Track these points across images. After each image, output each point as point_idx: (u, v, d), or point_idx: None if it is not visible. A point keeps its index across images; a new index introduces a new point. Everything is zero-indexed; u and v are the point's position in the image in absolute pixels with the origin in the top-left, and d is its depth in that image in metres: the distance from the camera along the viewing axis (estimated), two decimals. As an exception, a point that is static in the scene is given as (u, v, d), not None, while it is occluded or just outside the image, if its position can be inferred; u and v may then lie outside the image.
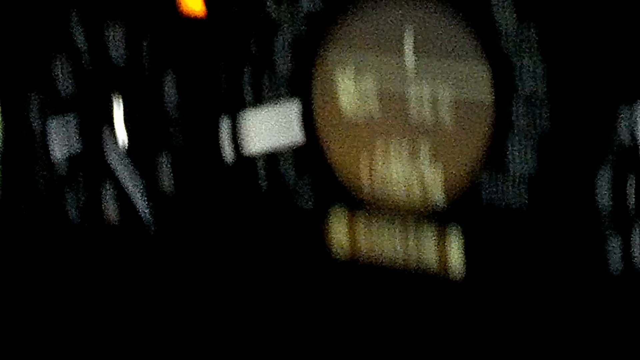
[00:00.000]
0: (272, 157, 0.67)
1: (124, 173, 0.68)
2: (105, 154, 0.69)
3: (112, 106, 0.69)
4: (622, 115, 0.57)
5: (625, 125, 0.57)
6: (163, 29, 0.67)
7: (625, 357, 0.59)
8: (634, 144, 0.57)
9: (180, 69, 0.67)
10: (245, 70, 0.66)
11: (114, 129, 0.69)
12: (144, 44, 0.67)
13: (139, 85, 0.68)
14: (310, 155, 0.66)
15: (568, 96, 0.58)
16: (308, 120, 0.66)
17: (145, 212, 0.69)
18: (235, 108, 0.67)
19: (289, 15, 0.65)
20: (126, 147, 0.69)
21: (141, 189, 0.69)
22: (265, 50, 0.65)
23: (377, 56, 0.63)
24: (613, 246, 0.59)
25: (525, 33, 0.58)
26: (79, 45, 0.69)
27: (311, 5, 0.64)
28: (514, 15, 0.58)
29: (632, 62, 0.56)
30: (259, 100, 0.66)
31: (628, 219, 0.58)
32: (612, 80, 0.57)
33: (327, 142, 0.66)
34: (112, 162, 0.68)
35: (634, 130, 0.57)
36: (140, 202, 0.69)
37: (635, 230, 0.58)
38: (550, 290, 0.61)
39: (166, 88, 0.68)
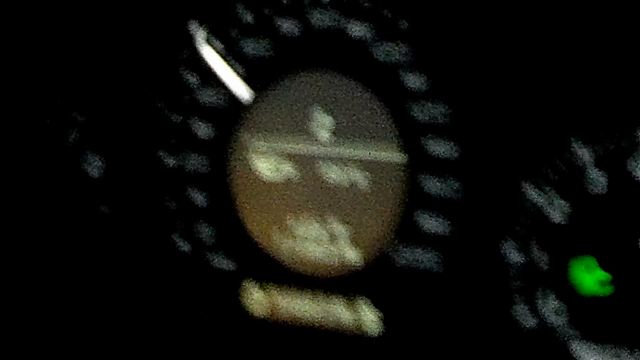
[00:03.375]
0: (188, 218, 0.67)
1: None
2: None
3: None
4: (525, 187, 0.59)
5: (528, 197, 0.59)
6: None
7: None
8: (537, 212, 0.59)
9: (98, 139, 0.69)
10: (165, 138, 0.67)
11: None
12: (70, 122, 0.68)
13: (62, 157, 0.69)
14: (226, 216, 0.66)
15: (478, 169, 0.60)
16: (223, 181, 0.67)
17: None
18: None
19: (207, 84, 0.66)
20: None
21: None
22: (184, 117, 0.67)
23: (292, 126, 0.64)
24: (520, 298, 0.60)
25: (430, 90, 0.60)
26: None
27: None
28: (417, 72, 0.60)
29: (534, 140, 0.58)
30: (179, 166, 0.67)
31: (533, 272, 0.60)
32: (516, 158, 0.59)
33: (241, 202, 0.66)
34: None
35: (536, 202, 0.59)
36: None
37: (539, 290, 0.60)
38: (463, 345, 0.62)
39: (90, 160, 0.69)
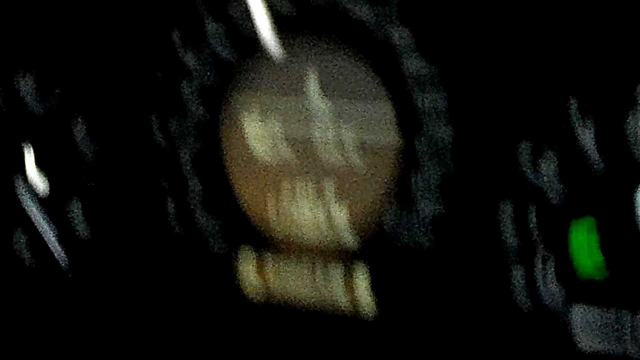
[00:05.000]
0: (183, 200, 0.66)
1: (38, 219, 0.68)
2: (20, 200, 0.69)
3: (24, 154, 0.68)
4: (522, 151, 0.57)
5: (524, 160, 0.57)
6: (73, 77, 0.67)
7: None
8: (533, 177, 0.57)
9: (91, 116, 0.67)
10: (155, 115, 0.66)
11: (27, 176, 0.69)
12: (55, 92, 0.67)
13: (49, 132, 0.68)
14: (220, 197, 0.65)
15: (470, 135, 0.58)
16: (219, 163, 0.65)
17: (61, 257, 0.68)
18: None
19: (198, 61, 0.65)
20: (40, 194, 0.68)
21: (56, 234, 0.68)
22: (174, 95, 0.65)
23: (282, 99, 0.63)
24: (518, 280, 0.58)
25: (428, 74, 0.59)
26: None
27: (220, 52, 0.64)
28: (418, 56, 0.59)
29: (531, 101, 0.56)
30: (170, 144, 0.66)
31: (531, 251, 0.58)
32: (511, 118, 0.57)
33: (236, 184, 0.65)
34: (27, 209, 0.68)
35: (534, 165, 0.57)
36: (56, 248, 0.68)
37: (538, 261, 0.58)
38: (461, 327, 0.60)
39: (77, 134, 0.68)
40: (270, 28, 0.61)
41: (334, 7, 0.59)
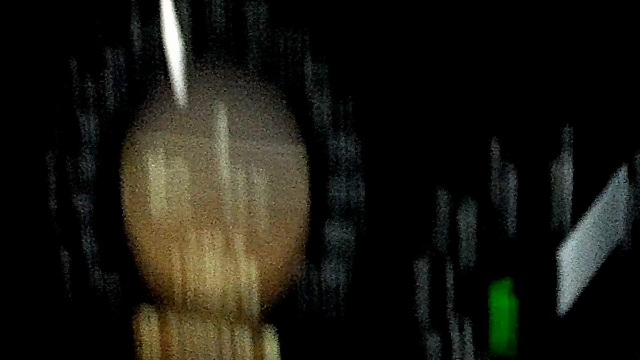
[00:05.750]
0: (78, 255, 0.61)
1: None
2: None
3: None
4: (439, 200, 0.52)
5: (443, 209, 0.52)
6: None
7: None
8: (452, 230, 0.52)
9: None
10: (51, 154, 0.61)
11: None
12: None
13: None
14: (119, 250, 0.60)
15: (384, 177, 0.53)
16: (118, 211, 0.60)
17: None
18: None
19: (97, 93, 0.60)
20: None
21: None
22: (72, 132, 0.61)
23: (189, 139, 0.58)
24: (433, 350, 0.52)
25: (341, 112, 0.54)
26: None
27: (122, 84, 0.59)
28: (329, 93, 0.54)
29: (449, 143, 0.52)
30: (65, 186, 0.61)
31: (447, 316, 0.52)
32: (429, 163, 0.52)
33: (137, 235, 0.60)
34: None
35: (453, 214, 0.52)
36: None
37: (454, 328, 0.52)
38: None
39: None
40: (176, 58, 0.56)
41: (241, 36, 0.54)
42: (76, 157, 0.59)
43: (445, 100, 0.51)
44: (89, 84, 0.58)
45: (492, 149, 0.51)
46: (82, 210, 0.60)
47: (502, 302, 0.51)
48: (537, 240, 0.51)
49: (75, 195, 0.60)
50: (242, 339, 0.58)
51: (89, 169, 0.59)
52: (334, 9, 0.53)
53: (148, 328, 0.59)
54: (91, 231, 0.60)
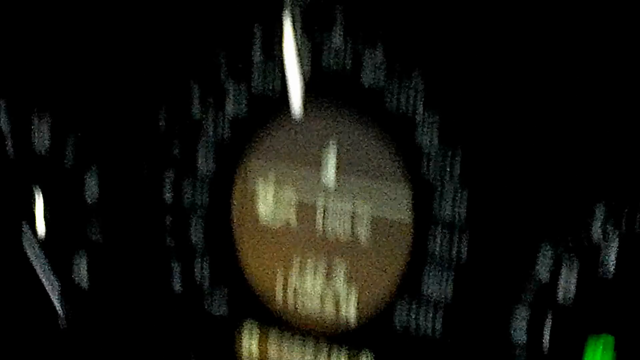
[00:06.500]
0: (189, 260, 0.64)
1: (40, 266, 0.66)
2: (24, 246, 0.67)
3: (33, 198, 0.67)
4: (542, 252, 0.55)
5: (544, 262, 0.55)
6: (89, 126, 0.65)
7: None
8: (552, 282, 0.54)
9: (104, 167, 0.66)
10: (168, 172, 0.64)
11: (34, 221, 0.67)
12: (69, 137, 0.65)
13: (60, 179, 0.66)
14: (227, 262, 0.63)
15: (488, 226, 0.56)
16: (229, 231, 0.63)
17: (59, 307, 0.67)
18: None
19: (214, 119, 0.63)
20: (43, 240, 0.67)
21: (56, 282, 0.66)
22: (188, 152, 0.63)
23: (298, 168, 0.61)
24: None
25: (449, 158, 0.56)
26: (4, 134, 0.67)
27: (237, 111, 0.62)
28: (438, 139, 0.56)
29: (556, 199, 0.54)
30: (179, 202, 0.64)
31: (542, 357, 0.55)
32: (535, 216, 0.54)
33: (246, 254, 0.63)
34: (29, 255, 0.66)
35: (553, 268, 0.54)
36: (55, 296, 0.66)
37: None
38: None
39: (88, 185, 0.66)
40: (294, 94, 0.58)
41: (351, 75, 0.57)
42: (192, 182, 0.62)
43: (551, 161, 0.53)
44: (211, 111, 0.61)
45: (597, 213, 0.53)
46: (195, 232, 0.63)
47: (597, 356, 0.54)
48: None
49: (190, 211, 0.63)
50: (338, 358, 0.61)
51: (204, 194, 0.62)
52: (450, 61, 0.55)
53: (250, 342, 0.63)
54: (205, 251, 0.63)
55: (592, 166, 0.53)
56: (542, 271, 0.54)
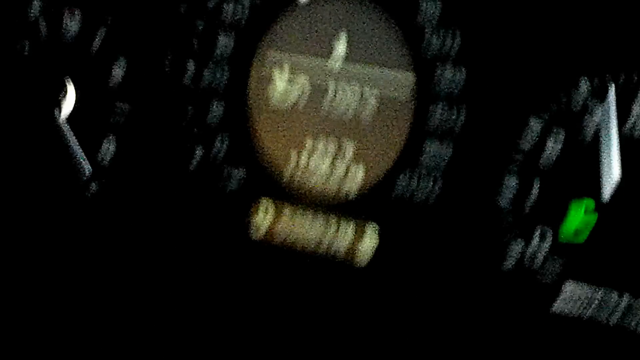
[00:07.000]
0: (207, 139, 0.69)
1: (71, 146, 0.70)
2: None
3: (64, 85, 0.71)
4: (530, 124, 0.59)
5: (531, 134, 0.60)
6: (117, 18, 0.70)
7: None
8: (536, 151, 0.59)
9: (131, 57, 0.70)
10: (189, 60, 0.69)
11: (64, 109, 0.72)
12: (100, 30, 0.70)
13: (90, 70, 0.71)
14: (242, 142, 0.68)
15: (482, 102, 0.61)
16: (243, 109, 0.68)
17: (87, 182, 0.71)
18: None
19: (235, 12, 0.68)
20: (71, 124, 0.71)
21: (86, 162, 0.71)
22: (209, 37, 0.68)
23: (310, 55, 0.65)
24: (513, 247, 0.61)
25: (449, 41, 0.61)
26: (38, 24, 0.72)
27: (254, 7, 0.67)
28: (440, 23, 0.61)
29: (543, 75, 0.59)
30: (197, 85, 0.69)
31: (529, 221, 0.60)
32: (523, 91, 0.60)
33: (262, 136, 0.68)
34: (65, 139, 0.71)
35: (538, 139, 0.59)
36: (84, 172, 0.70)
37: (536, 235, 0.60)
38: (446, 280, 0.63)
39: (116, 74, 0.71)
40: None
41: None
42: (212, 68, 0.67)
43: (539, 41, 0.59)
44: (229, 4, 0.66)
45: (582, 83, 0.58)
46: (215, 114, 0.68)
47: (579, 216, 0.60)
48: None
49: (211, 98, 0.68)
50: (345, 230, 0.66)
51: (223, 79, 0.68)
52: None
53: (264, 216, 0.68)
54: (223, 132, 0.68)
55: (577, 44, 0.58)
56: (529, 141, 0.59)
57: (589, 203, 0.58)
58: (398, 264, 0.64)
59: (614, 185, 0.57)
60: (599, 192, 0.58)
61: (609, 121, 0.57)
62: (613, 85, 0.57)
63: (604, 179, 0.57)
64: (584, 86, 0.58)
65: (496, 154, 0.60)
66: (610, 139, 0.57)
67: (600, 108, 0.57)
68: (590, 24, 0.58)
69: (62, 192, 0.70)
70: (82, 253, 0.70)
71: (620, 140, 0.57)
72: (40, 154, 0.70)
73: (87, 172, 0.69)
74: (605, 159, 0.57)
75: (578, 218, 0.58)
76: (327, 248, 0.65)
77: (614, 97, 0.57)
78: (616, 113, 0.57)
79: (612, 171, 0.57)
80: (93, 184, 0.69)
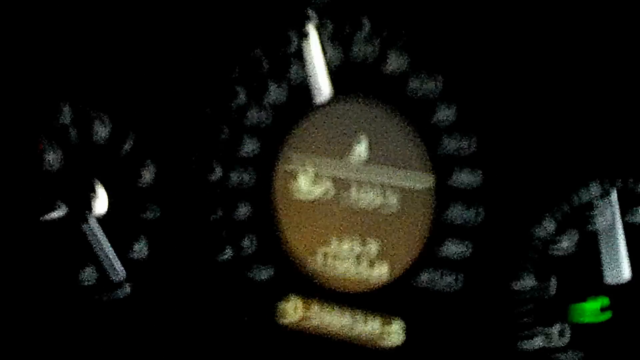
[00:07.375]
0: (235, 240, 0.71)
1: (106, 252, 0.73)
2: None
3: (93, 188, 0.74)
4: (544, 224, 0.62)
5: (545, 233, 0.62)
6: (146, 122, 0.73)
7: None
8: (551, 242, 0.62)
9: (160, 162, 0.73)
10: (216, 155, 0.71)
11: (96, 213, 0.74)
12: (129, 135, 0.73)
13: (120, 173, 0.73)
14: (269, 241, 0.70)
15: (499, 198, 0.63)
16: (268, 208, 0.70)
17: (118, 277, 0.73)
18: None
19: (259, 117, 0.70)
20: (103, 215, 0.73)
21: (118, 262, 0.73)
22: (234, 138, 0.70)
23: (332, 157, 0.68)
24: (533, 342, 0.63)
25: (465, 145, 0.64)
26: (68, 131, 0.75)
27: (280, 109, 0.69)
28: (455, 128, 0.64)
29: (554, 177, 0.62)
30: (224, 186, 0.71)
31: (547, 318, 0.62)
32: (535, 191, 0.63)
33: (284, 229, 0.70)
34: (95, 245, 0.73)
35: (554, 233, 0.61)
36: (117, 274, 0.73)
37: (554, 329, 0.62)
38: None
39: (145, 178, 0.73)
40: (326, 92, 0.66)
41: (372, 64, 0.64)
42: (239, 171, 0.70)
43: (550, 144, 0.61)
44: (253, 110, 0.69)
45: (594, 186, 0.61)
46: (242, 216, 0.71)
47: (594, 311, 0.62)
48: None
49: (238, 201, 0.70)
50: (373, 324, 0.68)
51: (249, 181, 0.70)
52: (468, 59, 0.62)
53: (293, 313, 0.70)
54: (252, 233, 0.71)
55: (588, 147, 0.60)
56: (544, 234, 0.62)
57: (604, 301, 0.60)
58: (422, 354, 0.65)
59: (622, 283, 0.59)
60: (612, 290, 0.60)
61: (613, 224, 0.59)
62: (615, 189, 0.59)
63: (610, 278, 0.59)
64: (593, 188, 0.60)
65: (512, 251, 0.62)
66: (616, 239, 0.59)
67: (606, 210, 0.60)
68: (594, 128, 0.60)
69: (95, 296, 0.72)
70: (118, 353, 0.72)
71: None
72: (72, 257, 0.72)
73: (121, 274, 0.71)
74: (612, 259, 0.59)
75: (593, 316, 0.60)
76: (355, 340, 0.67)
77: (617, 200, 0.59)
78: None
79: (622, 271, 0.59)
80: (126, 285, 0.71)
